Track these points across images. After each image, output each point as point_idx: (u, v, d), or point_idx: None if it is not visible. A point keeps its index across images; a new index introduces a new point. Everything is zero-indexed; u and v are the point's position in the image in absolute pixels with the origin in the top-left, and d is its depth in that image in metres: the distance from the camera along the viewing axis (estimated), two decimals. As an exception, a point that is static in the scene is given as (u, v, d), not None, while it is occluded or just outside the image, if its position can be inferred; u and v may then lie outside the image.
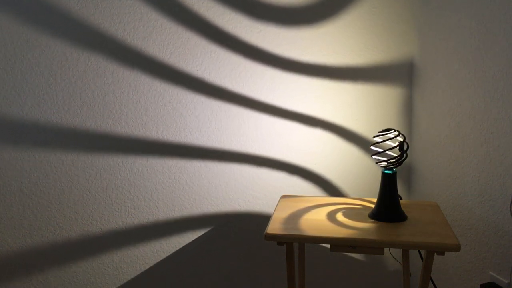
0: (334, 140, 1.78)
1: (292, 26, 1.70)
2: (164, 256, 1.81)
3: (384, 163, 1.38)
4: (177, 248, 1.81)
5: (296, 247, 1.55)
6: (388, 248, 1.54)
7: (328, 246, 1.81)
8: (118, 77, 1.69)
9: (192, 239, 1.81)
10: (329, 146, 1.78)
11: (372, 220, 1.40)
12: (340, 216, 1.43)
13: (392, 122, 1.78)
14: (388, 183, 1.40)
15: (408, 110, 1.78)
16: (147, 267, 1.81)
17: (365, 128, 1.77)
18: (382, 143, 1.38)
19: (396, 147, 1.37)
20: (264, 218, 1.82)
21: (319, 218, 1.42)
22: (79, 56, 1.67)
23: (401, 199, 1.51)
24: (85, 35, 1.66)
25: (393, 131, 1.38)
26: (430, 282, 1.50)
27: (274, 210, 1.50)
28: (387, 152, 1.38)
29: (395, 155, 1.37)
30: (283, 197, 1.64)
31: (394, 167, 1.39)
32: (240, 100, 1.73)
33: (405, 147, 1.37)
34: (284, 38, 1.71)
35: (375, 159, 1.39)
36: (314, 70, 1.73)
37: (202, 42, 1.69)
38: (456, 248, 1.22)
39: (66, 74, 1.67)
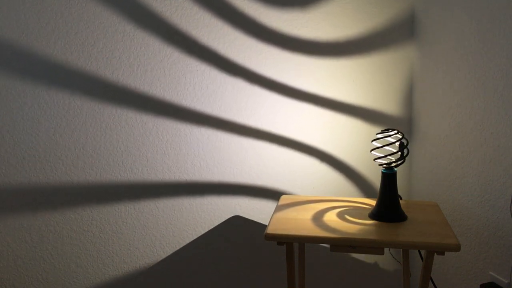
0: (334, 140, 1.78)
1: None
2: (164, 256, 1.81)
3: (384, 160, 1.38)
4: (177, 248, 1.81)
5: (296, 247, 1.55)
6: (388, 248, 1.54)
7: (328, 246, 1.81)
8: (118, 77, 1.69)
9: (192, 239, 1.81)
10: (329, 146, 1.78)
11: (372, 220, 1.40)
12: (340, 216, 1.43)
13: (393, 122, 1.78)
14: (388, 183, 1.40)
15: (409, 110, 1.78)
16: (147, 267, 1.81)
17: (365, 127, 1.77)
18: (383, 146, 1.38)
19: (395, 143, 1.37)
20: (264, 218, 1.82)
21: (319, 218, 1.42)
22: (79, 56, 1.67)
23: (401, 199, 1.51)
24: (85, 35, 1.66)
25: (393, 131, 1.38)
26: (430, 282, 1.50)
27: (274, 210, 1.50)
28: (387, 150, 1.38)
29: (394, 150, 1.37)
30: (283, 197, 1.64)
31: (394, 167, 1.39)
32: (240, 100, 1.74)
33: (405, 147, 1.37)
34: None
35: (374, 155, 1.39)
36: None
37: (202, 42, 1.70)
38: (456, 248, 1.22)
39: (66, 74, 1.67)
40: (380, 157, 1.39)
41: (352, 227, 1.35)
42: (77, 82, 1.68)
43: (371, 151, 1.41)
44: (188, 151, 1.75)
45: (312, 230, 1.33)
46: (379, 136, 1.41)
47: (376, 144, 1.40)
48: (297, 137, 1.77)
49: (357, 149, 1.79)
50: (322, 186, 1.81)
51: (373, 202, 1.53)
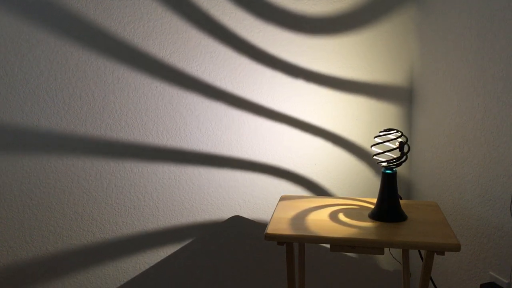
0: (334, 139, 1.78)
1: None
2: (164, 256, 1.81)
3: (384, 158, 1.38)
4: (177, 248, 1.81)
5: (296, 247, 1.54)
6: (388, 248, 1.54)
7: (328, 246, 1.81)
8: (118, 77, 1.69)
9: (192, 239, 1.81)
10: (329, 145, 1.78)
11: (372, 220, 1.40)
12: (340, 216, 1.43)
13: (392, 123, 1.78)
14: (388, 183, 1.40)
15: (408, 110, 1.78)
16: (147, 267, 1.81)
17: (365, 127, 1.77)
18: (383, 142, 1.37)
19: (395, 139, 1.37)
20: (264, 218, 1.82)
21: (319, 218, 1.42)
22: (79, 56, 1.67)
23: (401, 199, 1.51)
24: (86, 35, 1.66)
25: (393, 130, 1.38)
26: (430, 282, 1.50)
27: (274, 210, 1.50)
28: (387, 150, 1.38)
29: (394, 146, 1.37)
30: (283, 197, 1.63)
31: (394, 167, 1.39)
32: (240, 101, 1.74)
33: (406, 147, 1.37)
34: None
35: (374, 151, 1.39)
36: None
37: (202, 42, 1.70)
38: (456, 248, 1.22)
39: (66, 74, 1.67)
40: (379, 153, 1.38)
41: (352, 227, 1.35)
42: (77, 82, 1.68)
43: (371, 146, 1.41)
44: (188, 150, 1.75)
45: (312, 230, 1.33)
46: (380, 134, 1.40)
47: (378, 140, 1.40)
48: (295, 135, 1.77)
49: (357, 148, 1.79)
50: (322, 186, 1.81)
51: (373, 202, 1.53)
